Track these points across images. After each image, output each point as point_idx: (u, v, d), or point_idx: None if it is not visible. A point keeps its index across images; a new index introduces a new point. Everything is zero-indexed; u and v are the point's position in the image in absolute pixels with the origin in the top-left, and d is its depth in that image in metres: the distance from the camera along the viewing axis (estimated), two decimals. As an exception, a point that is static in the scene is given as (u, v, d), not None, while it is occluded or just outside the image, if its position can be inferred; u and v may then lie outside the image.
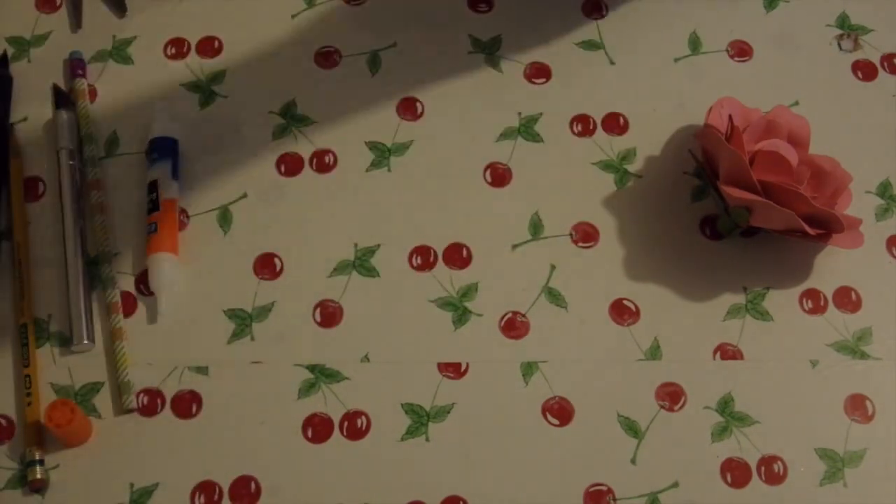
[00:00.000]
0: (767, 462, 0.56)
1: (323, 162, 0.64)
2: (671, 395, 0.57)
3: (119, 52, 0.67)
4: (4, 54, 0.67)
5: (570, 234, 0.62)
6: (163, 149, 0.63)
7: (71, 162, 0.62)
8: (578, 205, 0.63)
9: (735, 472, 0.56)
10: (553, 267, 0.61)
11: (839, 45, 0.69)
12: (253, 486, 0.55)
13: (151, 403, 0.57)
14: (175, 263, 0.60)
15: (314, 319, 0.59)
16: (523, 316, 0.60)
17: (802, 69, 0.67)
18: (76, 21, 0.68)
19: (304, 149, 0.64)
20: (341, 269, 0.61)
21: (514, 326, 0.59)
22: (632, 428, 0.57)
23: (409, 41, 0.68)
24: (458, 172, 0.64)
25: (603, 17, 0.69)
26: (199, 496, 0.55)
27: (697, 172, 0.63)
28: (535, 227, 0.62)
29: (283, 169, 0.64)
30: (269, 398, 0.57)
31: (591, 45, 0.68)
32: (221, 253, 0.61)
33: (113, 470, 0.55)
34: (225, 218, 0.62)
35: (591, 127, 0.65)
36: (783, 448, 0.56)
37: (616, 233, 0.62)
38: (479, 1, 0.70)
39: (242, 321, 0.59)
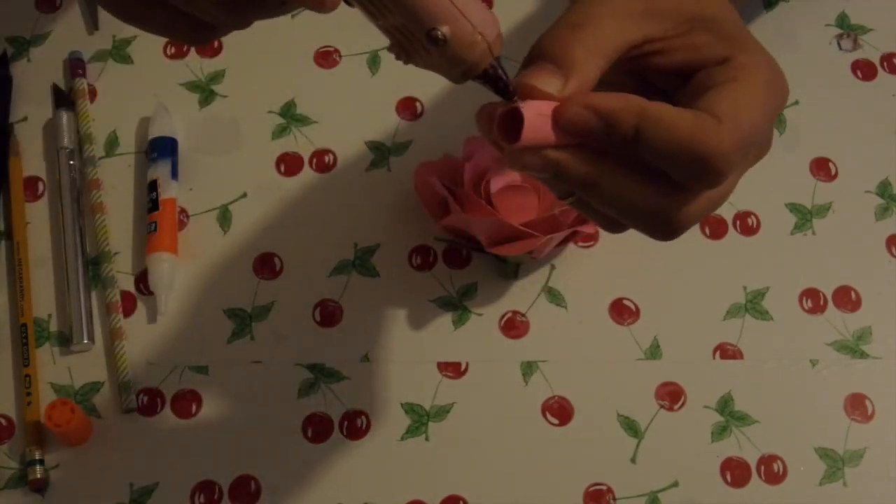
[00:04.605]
0: (767, 461, 0.56)
1: (323, 162, 0.64)
2: (671, 395, 0.57)
3: (119, 51, 0.67)
4: (4, 54, 0.67)
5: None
6: (162, 148, 0.63)
7: (71, 162, 0.63)
8: (578, 204, 0.63)
9: (735, 472, 0.56)
10: (553, 267, 0.61)
11: (839, 44, 0.69)
12: (253, 485, 0.55)
13: (151, 403, 0.57)
14: (175, 263, 0.60)
15: (314, 319, 0.59)
16: (523, 315, 0.60)
17: (802, 69, 0.67)
18: (92, 22, 0.68)
19: (304, 148, 0.64)
20: (341, 268, 0.61)
21: (513, 326, 0.59)
22: (631, 427, 0.57)
23: (408, 41, 0.68)
24: (458, 172, 0.64)
25: (603, 16, 0.69)
26: (199, 496, 0.55)
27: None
28: (535, 227, 0.62)
29: (282, 169, 0.64)
30: (269, 398, 0.57)
31: (590, 45, 0.68)
32: (221, 252, 0.61)
33: (113, 469, 0.55)
34: (225, 217, 0.62)
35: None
36: (783, 447, 0.56)
37: (616, 232, 0.62)
38: (479, 1, 0.70)
39: (242, 321, 0.59)
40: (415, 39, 0.36)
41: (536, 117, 0.36)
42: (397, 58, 0.37)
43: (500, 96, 0.37)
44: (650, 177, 0.36)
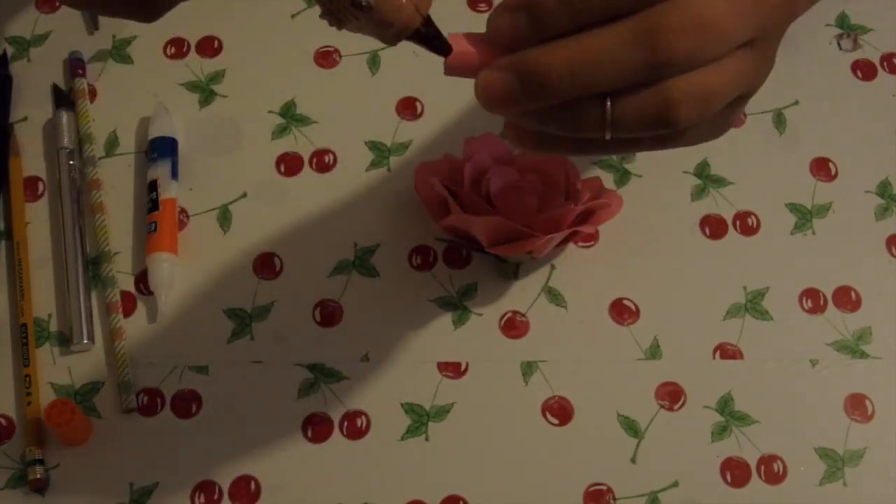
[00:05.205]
0: (767, 461, 0.56)
1: (323, 162, 0.64)
2: (671, 395, 0.57)
3: (119, 51, 0.67)
4: (4, 54, 0.67)
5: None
6: (162, 148, 0.63)
7: (71, 162, 0.63)
8: (578, 204, 0.63)
9: (735, 472, 0.56)
10: (553, 267, 0.61)
11: (839, 44, 0.69)
12: (253, 485, 0.55)
13: (151, 403, 0.57)
14: (175, 263, 0.60)
15: (314, 319, 0.59)
16: (523, 315, 0.60)
17: (802, 69, 0.67)
18: (92, 22, 0.68)
19: (304, 148, 0.64)
20: (341, 268, 0.61)
21: (513, 326, 0.59)
22: (631, 427, 0.57)
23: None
24: (458, 172, 0.64)
25: (603, 16, 0.69)
26: (199, 496, 0.55)
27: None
28: (535, 227, 0.62)
29: (283, 169, 0.64)
30: (269, 398, 0.57)
31: (590, 45, 0.68)
32: (221, 253, 0.61)
33: (113, 470, 0.55)
34: (225, 217, 0.62)
35: (590, 127, 0.65)
36: (783, 447, 0.56)
37: (616, 233, 0.62)
38: (479, 1, 0.70)
39: (242, 321, 0.59)
40: (342, 6, 0.36)
41: (464, 36, 0.36)
42: (330, 24, 0.37)
43: (436, 54, 0.37)
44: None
